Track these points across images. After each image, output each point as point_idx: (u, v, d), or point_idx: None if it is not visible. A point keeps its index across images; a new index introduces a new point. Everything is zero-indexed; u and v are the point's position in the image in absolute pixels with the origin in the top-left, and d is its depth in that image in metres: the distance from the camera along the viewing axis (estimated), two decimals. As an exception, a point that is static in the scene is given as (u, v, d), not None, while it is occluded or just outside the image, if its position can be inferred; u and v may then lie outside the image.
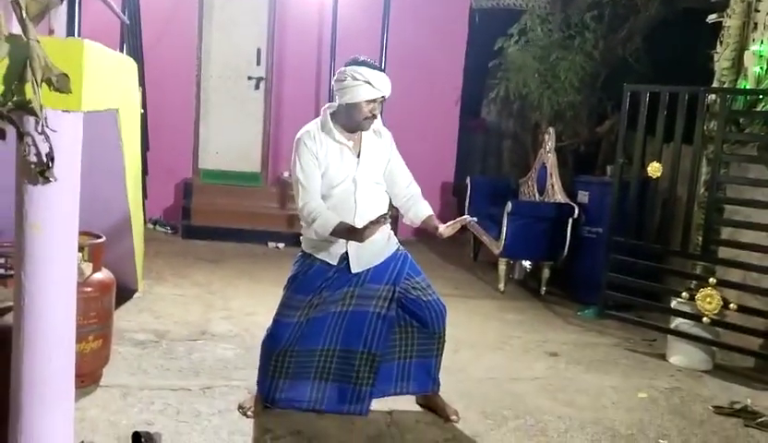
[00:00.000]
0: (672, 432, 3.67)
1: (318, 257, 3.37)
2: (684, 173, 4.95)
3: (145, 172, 6.44)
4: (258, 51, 7.98)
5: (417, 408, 3.66)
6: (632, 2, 7.07)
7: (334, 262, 3.37)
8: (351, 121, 3.30)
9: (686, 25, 6.24)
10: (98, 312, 3.47)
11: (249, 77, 8.00)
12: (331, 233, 3.21)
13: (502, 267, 6.28)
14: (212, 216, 7.45)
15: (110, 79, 2.77)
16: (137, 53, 5.78)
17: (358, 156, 3.35)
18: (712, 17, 5.03)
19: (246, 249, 7.06)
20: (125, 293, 5.00)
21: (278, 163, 8.12)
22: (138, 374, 3.80)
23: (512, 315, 5.64)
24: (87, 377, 3.47)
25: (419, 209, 3.51)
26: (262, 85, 8.01)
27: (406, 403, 3.67)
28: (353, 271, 3.37)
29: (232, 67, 8.01)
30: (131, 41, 5.70)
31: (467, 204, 7.45)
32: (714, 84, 4.95)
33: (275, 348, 3.40)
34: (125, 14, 5.35)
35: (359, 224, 3.26)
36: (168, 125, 7.63)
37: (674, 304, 4.88)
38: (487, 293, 6.26)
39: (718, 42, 4.98)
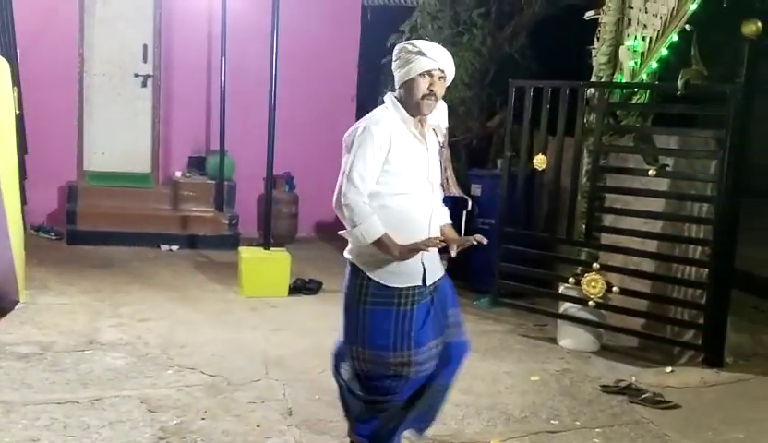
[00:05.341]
0: (563, 412, 3.84)
1: (397, 285, 2.78)
2: (568, 164, 5.17)
3: (23, 176, 6.10)
4: (145, 47, 7.71)
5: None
6: (517, -1, 7.31)
7: (418, 282, 2.83)
8: (409, 104, 2.84)
9: (569, 22, 6.48)
10: (-28, 326, 3.27)
11: (136, 75, 7.71)
12: (372, 244, 2.72)
13: (400, 260, 6.33)
14: (100, 220, 7.15)
15: (-25, 78, 2.60)
16: (9, 51, 5.47)
17: (427, 151, 2.91)
18: (589, 14, 5.25)
19: (137, 253, 6.80)
20: (5, 304, 4.76)
21: (169, 163, 7.88)
22: (21, 389, 3.60)
23: (411, 307, 5.71)
24: (-38, 397, 3.27)
25: (440, 216, 3.08)
26: (150, 82, 7.75)
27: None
28: (427, 283, 2.85)
29: (117, 64, 7.71)
30: (3, 39, 5.39)
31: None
32: (593, 79, 5.18)
33: (392, 402, 2.87)
34: (-6, 9, 5.05)
35: (433, 234, 2.88)
36: (49, 127, 7.24)
37: (562, 289, 5.10)
38: (386, 288, 6.30)
39: (596, 39, 5.22)
